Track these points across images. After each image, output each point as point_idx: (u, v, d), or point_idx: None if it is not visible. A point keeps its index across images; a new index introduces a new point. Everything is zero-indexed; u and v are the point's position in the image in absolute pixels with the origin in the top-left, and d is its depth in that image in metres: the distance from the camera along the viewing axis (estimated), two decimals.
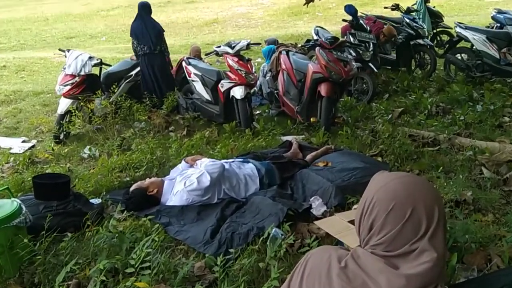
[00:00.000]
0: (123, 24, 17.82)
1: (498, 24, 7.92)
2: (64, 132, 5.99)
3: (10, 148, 5.84)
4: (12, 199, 3.09)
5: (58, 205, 3.42)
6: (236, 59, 5.78)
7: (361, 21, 7.63)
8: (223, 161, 4.05)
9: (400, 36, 8.01)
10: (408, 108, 6.13)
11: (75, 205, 3.50)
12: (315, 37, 7.63)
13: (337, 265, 1.24)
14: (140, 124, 6.14)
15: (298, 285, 1.31)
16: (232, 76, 5.79)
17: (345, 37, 7.66)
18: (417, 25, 7.89)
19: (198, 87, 6.41)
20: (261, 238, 2.94)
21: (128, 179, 4.30)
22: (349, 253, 1.28)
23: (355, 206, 3.33)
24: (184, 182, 3.69)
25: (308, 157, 4.52)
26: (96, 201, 3.82)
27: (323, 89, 5.45)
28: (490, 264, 2.60)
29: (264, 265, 2.69)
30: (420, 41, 7.89)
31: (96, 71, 6.53)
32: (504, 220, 3.15)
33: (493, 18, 8.11)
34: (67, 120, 5.94)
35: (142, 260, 2.64)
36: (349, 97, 6.73)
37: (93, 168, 4.70)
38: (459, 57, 7.51)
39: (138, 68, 6.88)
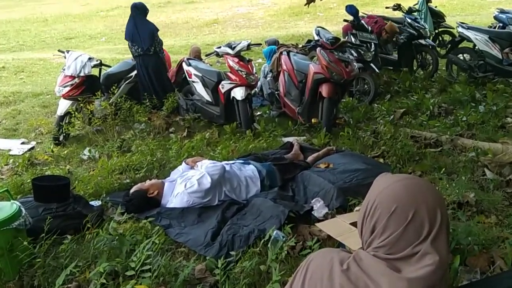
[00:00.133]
0: (122, 24, 17.75)
1: (501, 24, 7.94)
2: (64, 134, 5.99)
3: (9, 150, 5.85)
4: (12, 201, 3.08)
5: (57, 208, 3.42)
6: (236, 59, 5.79)
7: (362, 22, 7.64)
8: (223, 162, 4.06)
9: (402, 36, 8.02)
10: (410, 109, 6.13)
11: (75, 208, 3.50)
12: (316, 38, 7.65)
13: (339, 268, 1.25)
14: (140, 126, 6.14)
15: None
16: (233, 77, 5.80)
17: (347, 37, 7.66)
18: (419, 25, 7.89)
19: (199, 88, 6.42)
20: (262, 241, 2.93)
21: (128, 181, 4.30)
22: (351, 255, 1.28)
23: (357, 208, 3.33)
24: (184, 184, 3.69)
25: (310, 158, 4.52)
26: (96, 203, 3.82)
27: (324, 90, 5.46)
28: (493, 266, 2.60)
29: (266, 267, 2.69)
30: (422, 41, 7.89)
31: (95, 72, 6.53)
32: (507, 222, 3.15)
33: (495, 18, 8.13)
34: (66, 121, 5.94)
35: (142, 263, 2.64)
36: (351, 98, 6.73)
37: (93, 170, 4.70)
38: (461, 57, 7.51)
39: None
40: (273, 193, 3.76)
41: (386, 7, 9.32)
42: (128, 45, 6.80)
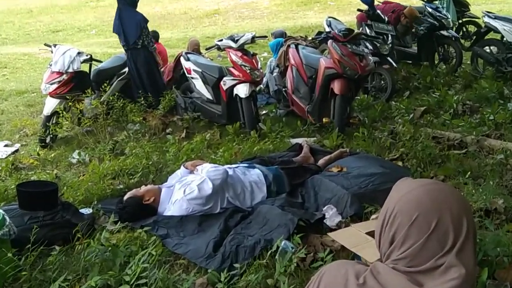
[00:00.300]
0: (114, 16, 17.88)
1: None
2: (51, 135, 6.02)
3: None
4: None
5: (45, 216, 3.43)
6: (240, 53, 5.79)
7: (378, 11, 7.63)
8: (226, 166, 4.06)
9: (422, 27, 8.01)
10: (431, 107, 6.11)
11: (63, 216, 3.51)
12: (327, 29, 7.66)
13: (355, 282, 1.24)
14: (134, 126, 6.16)
15: None
16: (236, 72, 5.81)
17: (361, 28, 7.66)
18: (440, 15, 7.89)
19: (198, 85, 6.43)
20: (269, 252, 2.94)
21: (121, 186, 4.31)
22: (368, 268, 1.28)
23: (373, 216, 3.33)
24: (183, 190, 3.70)
25: (321, 161, 4.52)
26: (86, 211, 3.84)
27: (336, 86, 5.46)
28: None
29: (273, 281, 2.69)
30: (444, 32, 7.88)
31: (85, 68, 6.56)
32: None
33: None
34: (53, 121, 5.96)
35: (137, 276, 2.65)
36: (366, 95, 6.73)
37: (83, 175, 4.72)
38: (488, 50, 7.50)
39: None
40: (280, 200, 3.76)
41: None
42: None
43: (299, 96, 6.13)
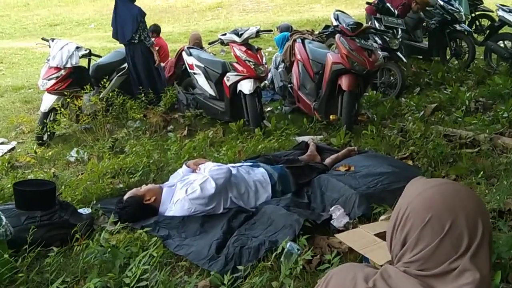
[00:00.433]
0: None
1: None
2: (48, 133, 6.03)
3: None
4: None
5: (42, 216, 3.44)
6: (244, 48, 5.79)
7: (387, 4, 7.61)
8: (229, 165, 4.06)
9: (433, 21, 7.99)
10: (443, 103, 6.10)
11: (61, 216, 3.52)
12: (335, 23, 7.64)
13: (364, 286, 1.24)
14: (134, 123, 6.18)
15: None
16: (240, 68, 5.81)
17: (370, 22, 7.65)
18: (452, 8, 7.85)
19: (201, 80, 6.44)
20: (274, 254, 2.93)
21: (121, 186, 4.32)
22: (377, 271, 1.27)
23: (382, 217, 3.32)
24: (185, 190, 3.70)
25: (328, 160, 4.52)
26: (85, 211, 3.85)
27: (344, 82, 5.45)
28: None
29: (278, 284, 2.69)
30: (457, 26, 7.86)
31: (84, 63, 6.58)
32: None
33: None
34: (51, 118, 5.99)
35: (138, 278, 2.65)
36: (374, 92, 6.71)
37: (82, 174, 4.74)
38: (502, 45, 7.47)
39: None
40: (286, 200, 3.76)
41: None
42: None
43: (305, 93, 6.13)
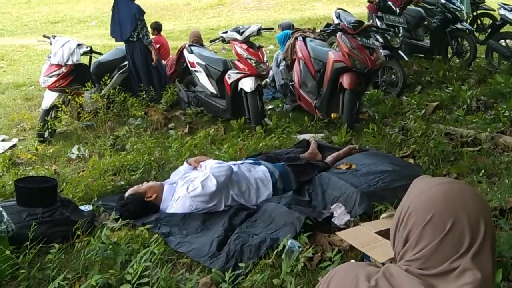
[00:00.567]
0: None
1: None
2: (49, 130, 6.04)
3: None
4: None
5: (43, 213, 3.44)
6: (245, 46, 5.79)
7: (389, 2, 7.61)
8: (231, 163, 4.06)
9: (434, 20, 7.98)
10: (444, 102, 6.11)
11: (62, 213, 3.52)
12: (336, 21, 7.59)
13: (366, 284, 1.23)
14: (135, 121, 6.18)
15: None
16: (241, 66, 5.81)
17: (371, 20, 7.64)
18: (454, 6, 7.85)
19: (202, 78, 6.44)
20: (275, 251, 2.94)
21: (122, 183, 4.33)
22: (379, 270, 1.27)
23: (383, 215, 3.32)
24: (186, 187, 3.70)
25: (329, 158, 4.52)
26: (86, 208, 3.84)
27: (345, 80, 5.45)
28: None
29: (279, 281, 2.69)
30: (458, 25, 7.86)
31: (85, 60, 6.58)
32: None
33: None
34: (52, 116, 5.99)
35: (139, 275, 2.65)
36: (376, 90, 6.72)
37: (83, 171, 4.74)
38: (503, 44, 7.46)
39: None
40: (287, 198, 3.76)
41: None
42: None
43: (307, 91, 6.13)
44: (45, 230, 3.30)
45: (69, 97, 5.81)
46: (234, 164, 4.02)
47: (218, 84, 6.20)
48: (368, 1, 7.75)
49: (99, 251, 2.95)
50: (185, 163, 4.15)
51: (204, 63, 6.36)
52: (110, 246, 2.97)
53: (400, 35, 7.23)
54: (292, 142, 5.23)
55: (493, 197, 3.45)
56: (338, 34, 5.68)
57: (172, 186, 3.87)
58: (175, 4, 19.21)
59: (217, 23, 15.12)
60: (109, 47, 10.44)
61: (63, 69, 5.99)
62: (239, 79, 5.84)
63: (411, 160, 4.45)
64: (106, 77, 6.34)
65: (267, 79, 7.25)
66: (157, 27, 8.47)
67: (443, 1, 7.92)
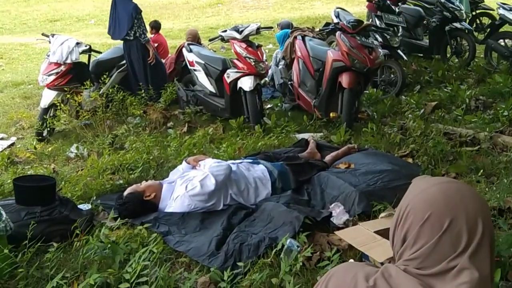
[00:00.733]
0: None
1: None
2: (48, 128, 6.03)
3: None
4: None
5: (42, 211, 3.44)
6: (244, 45, 5.79)
7: (388, 2, 7.61)
8: (229, 162, 4.06)
9: (433, 19, 7.98)
10: (443, 101, 6.11)
11: (61, 211, 3.52)
12: (335, 20, 7.60)
13: (365, 284, 1.23)
14: (134, 120, 6.18)
15: None
16: (240, 64, 5.80)
17: (370, 20, 7.65)
18: (453, 6, 7.86)
19: (201, 77, 6.43)
20: (274, 250, 2.94)
21: (121, 182, 4.32)
22: (378, 270, 1.27)
23: (382, 215, 3.33)
24: (185, 186, 3.70)
25: (328, 158, 4.52)
26: (85, 206, 3.85)
27: (344, 79, 5.45)
28: None
29: (278, 281, 2.69)
30: (457, 24, 7.86)
31: (84, 59, 6.57)
32: None
33: None
34: (51, 114, 5.98)
35: (138, 274, 2.65)
36: (375, 89, 6.72)
37: (81, 169, 4.73)
38: (502, 43, 7.47)
39: None
40: (286, 197, 3.76)
41: None
42: None
43: (306, 90, 6.13)
44: (43, 228, 3.29)
45: (68, 95, 5.80)
46: (233, 163, 4.02)
47: (217, 83, 6.20)
48: (368, 0, 7.75)
49: (97, 250, 2.95)
50: (184, 162, 4.14)
51: (203, 62, 6.36)
52: (109, 245, 2.97)
53: (399, 34, 7.25)
54: (291, 141, 5.23)
55: (491, 197, 3.46)
56: (337, 33, 5.68)
57: (171, 185, 3.87)
58: (174, 3, 19.19)
59: (216, 22, 15.11)
60: (108, 45, 10.43)
61: (62, 68, 5.98)
62: (238, 78, 5.83)
63: (410, 160, 4.45)
64: (105, 76, 6.34)
65: (266, 78, 7.25)
66: (155, 26, 8.45)
67: (442, 1, 7.92)
